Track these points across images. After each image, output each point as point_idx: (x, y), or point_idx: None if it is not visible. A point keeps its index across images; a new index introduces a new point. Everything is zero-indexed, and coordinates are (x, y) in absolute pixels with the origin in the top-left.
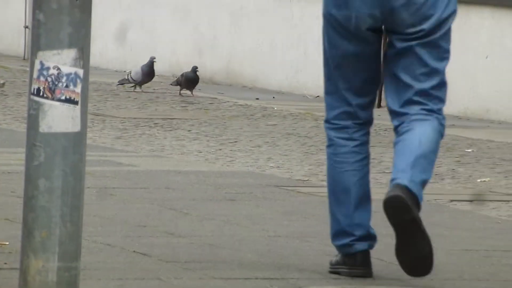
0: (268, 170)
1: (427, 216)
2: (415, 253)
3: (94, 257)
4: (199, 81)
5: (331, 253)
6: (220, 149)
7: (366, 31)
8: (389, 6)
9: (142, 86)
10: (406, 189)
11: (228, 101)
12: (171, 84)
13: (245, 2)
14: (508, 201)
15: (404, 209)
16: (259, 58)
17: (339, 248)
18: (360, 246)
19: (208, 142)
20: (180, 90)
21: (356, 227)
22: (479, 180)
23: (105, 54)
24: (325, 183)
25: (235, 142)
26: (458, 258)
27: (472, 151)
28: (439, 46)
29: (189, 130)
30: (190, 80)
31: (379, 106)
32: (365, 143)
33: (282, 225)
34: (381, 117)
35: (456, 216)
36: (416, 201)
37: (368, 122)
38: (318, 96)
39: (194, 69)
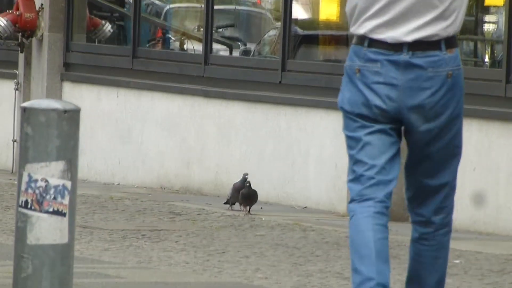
0: (256, 281)
1: None
2: None
3: None
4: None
5: None
6: (208, 260)
7: None
8: None
9: (242, 206)
10: None
11: (216, 212)
12: (224, 203)
13: (232, 114)
14: None
15: None
16: (247, 169)
17: None
18: None
19: (195, 253)
20: (241, 208)
21: (377, 273)
22: None
23: (93, 167)
24: None
25: (223, 252)
26: None
27: (460, 262)
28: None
29: (176, 241)
30: (246, 196)
31: None
32: (383, 211)
33: None
34: None
35: None
36: None
37: (385, 199)
38: (305, 207)
39: (245, 180)
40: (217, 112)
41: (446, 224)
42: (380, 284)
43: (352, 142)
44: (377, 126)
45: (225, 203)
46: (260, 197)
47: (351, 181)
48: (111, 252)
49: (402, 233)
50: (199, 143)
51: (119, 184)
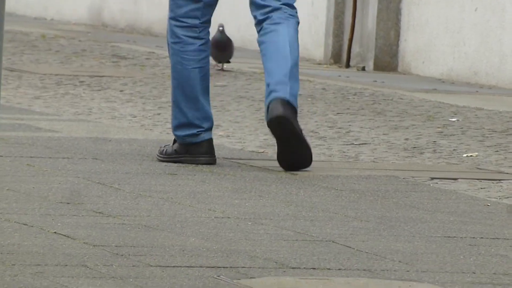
0: (216, 139)
1: (403, 196)
2: (297, 158)
3: (7, 238)
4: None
5: (289, 238)
6: (159, 114)
7: None
8: None
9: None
10: (288, 103)
11: (168, 57)
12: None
13: None
14: (499, 180)
15: (288, 126)
16: None
17: (183, 137)
18: (207, 135)
19: (144, 105)
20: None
21: (204, 120)
22: (465, 155)
23: None
24: None
25: None
26: (440, 247)
27: (457, 120)
28: None
29: (121, 90)
30: (218, 45)
31: (348, 66)
32: (208, 41)
33: (232, 205)
34: (349, 79)
35: (438, 196)
36: (295, 112)
37: (210, 20)
38: None
39: (220, 29)
40: None
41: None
42: (208, 129)
43: None
44: None
45: None
46: None
47: None
48: (43, 101)
49: (389, 85)
50: None
51: (52, 19)
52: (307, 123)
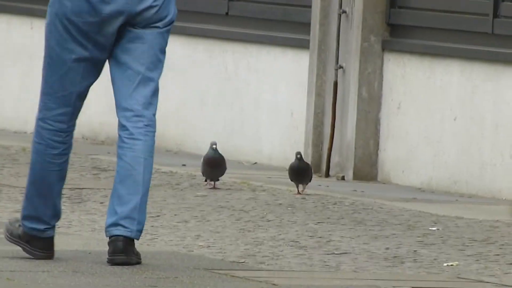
0: (197, 250)
1: None
2: None
3: None
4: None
5: None
6: None
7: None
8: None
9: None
10: (131, 241)
11: None
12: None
13: (169, 51)
14: None
15: (129, 263)
16: (186, 117)
17: (29, 229)
18: (51, 232)
19: None
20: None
21: (52, 218)
22: (445, 264)
23: (2, 112)
24: (264, 266)
25: (157, 216)
26: None
27: (438, 229)
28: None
29: (101, 202)
30: (211, 162)
31: (327, 175)
32: (71, 145)
33: None
34: (329, 189)
35: None
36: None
37: (75, 124)
38: (256, 163)
39: (213, 147)
40: None
41: (154, 125)
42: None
43: None
44: None
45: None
46: (202, 150)
47: None
48: None
49: (368, 195)
50: None
51: (32, 133)
52: (287, 233)
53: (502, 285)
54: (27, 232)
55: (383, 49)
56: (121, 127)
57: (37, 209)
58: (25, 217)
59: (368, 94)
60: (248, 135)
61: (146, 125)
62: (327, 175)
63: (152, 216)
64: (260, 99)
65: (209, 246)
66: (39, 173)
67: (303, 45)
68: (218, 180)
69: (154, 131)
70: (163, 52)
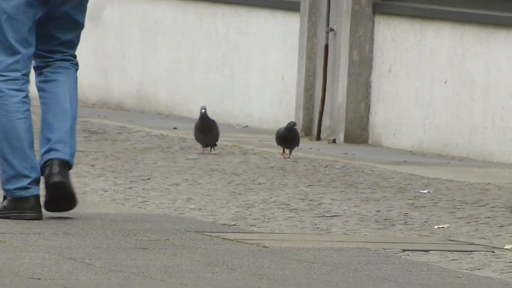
0: (188, 212)
1: (375, 268)
2: (64, 208)
3: None
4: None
5: None
6: (130, 188)
7: None
8: None
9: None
10: (67, 164)
11: (139, 131)
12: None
13: (159, 14)
14: (470, 251)
15: (67, 190)
16: (177, 80)
17: (12, 191)
18: (35, 190)
19: (115, 180)
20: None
21: (32, 170)
22: (436, 227)
23: None
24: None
25: (148, 179)
26: None
27: (428, 192)
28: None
29: (92, 165)
30: (202, 128)
31: (319, 138)
32: (28, 94)
33: (204, 279)
34: (320, 152)
35: (410, 268)
36: (70, 169)
37: (29, 73)
38: (247, 126)
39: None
40: (141, 11)
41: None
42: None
43: None
44: None
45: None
46: (192, 113)
47: None
48: None
49: (359, 158)
50: (119, 49)
51: None
52: (278, 196)
53: (493, 247)
54: (12, 196)
55: (374, 12)
56: (38, 67)
57: (14, 166)
58: (6, 182)
59: (359, 57)
60: (239, 99)
61: (68, 63)
62: (318, 138)
63: (143, 179)
64: (250, 62)
65: (200, 209)
66: (5, 126)
67: (293, 7)
68: (215, 145)
69: (76, 66)
70: None
